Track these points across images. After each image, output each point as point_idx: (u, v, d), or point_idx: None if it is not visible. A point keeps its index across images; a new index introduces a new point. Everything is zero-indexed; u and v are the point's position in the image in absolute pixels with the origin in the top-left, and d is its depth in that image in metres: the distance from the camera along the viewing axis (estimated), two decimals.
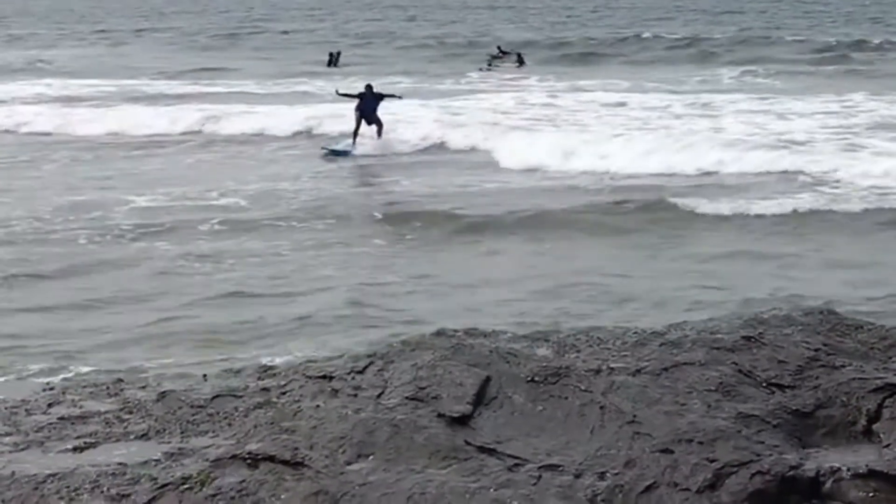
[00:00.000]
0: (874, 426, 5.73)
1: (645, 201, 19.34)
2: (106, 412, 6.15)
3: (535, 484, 5.20)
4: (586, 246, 16.75)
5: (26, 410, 6.26)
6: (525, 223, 18.15)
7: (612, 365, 6.05)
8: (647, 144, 24.91)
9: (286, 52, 58.94)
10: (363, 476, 5.23)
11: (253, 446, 5.49)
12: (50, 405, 6.33)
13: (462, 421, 5.67)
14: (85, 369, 10.34)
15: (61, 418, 6.09)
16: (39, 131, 30.11)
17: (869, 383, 5.91)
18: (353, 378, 6.14)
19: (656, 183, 21.68)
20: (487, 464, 5.35)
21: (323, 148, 26.57)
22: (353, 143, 26.36)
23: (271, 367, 6.80)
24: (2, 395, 6.79)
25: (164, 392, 6.40)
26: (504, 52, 51.86)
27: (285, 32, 71.35)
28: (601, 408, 5.72)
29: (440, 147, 26.86)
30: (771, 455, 5.34)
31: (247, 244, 16.78)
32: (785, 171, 22.28)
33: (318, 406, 5.87)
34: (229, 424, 5.88)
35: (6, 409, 6.31)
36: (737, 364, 6.07)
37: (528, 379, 5.94)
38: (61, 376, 9.76)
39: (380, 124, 26.72)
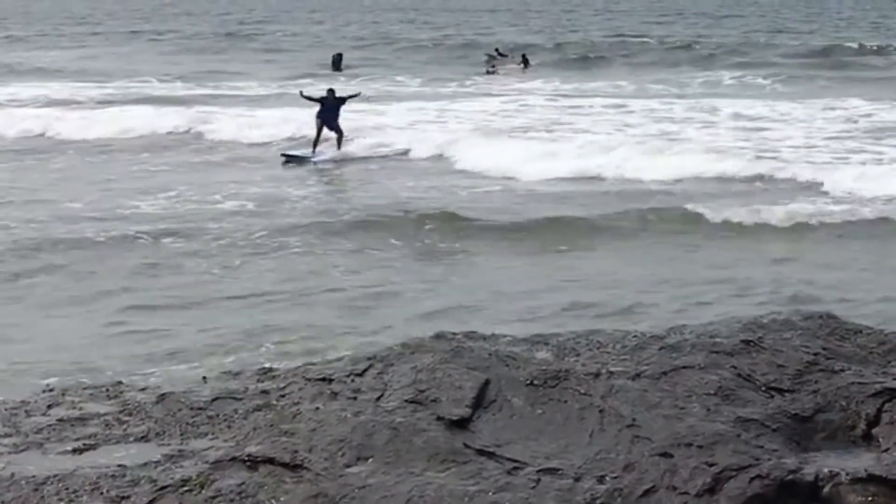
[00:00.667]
0: (873, 430, 5.73)
1: (638, 209, 19.24)
2: (105, 414, 6.15)
3: (533, 487, 5.20)
4: (599, 254, 16.67)
5: (26, 412, 6.26)
6: (528, 228, 18.11)
7: (611, 369, 6.06)
8: (639, 150, 24.86)
9: (288, 54, 58.95)
10: (362, 479, 5.24)
11: (252, 449, 5.49)
12: (49, 407, 6.33)
13: (461, 424, 5.68)
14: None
15: (61, 420, 6.08)
16: (38, 134, 30.07)
17: (868, 388, 5.91)
18: (352, 381, 6.14)
19: (653, 189, 21.71)
20: (486, 467, 5.35)
21: (282, 154, 26.06)
22: (314, 150, 25.88)
23: (271, 370, 6.80)
24: (1, 396, 6.79)
25: (163, 394, 6.40)
26: (501, 55, 51.73)
27: (293, 35, 71.32)
28: (600, 411, 5.72)
29: (405, 154, 26.33)
30: (770, 459, 5.34)
31: (251, 247, 16.81)
32: (786, 179, 22.20)
33: (317, 409, 5.88)
34: (229, 427, 5.89)
35: (6, 410, 6.31)
36: (736, 368, 6.07)
37: (528, 382, 5.94)
38: (61, 378, 9.76)
39: (340, 133, 26.12)
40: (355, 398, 5.93)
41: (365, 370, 6.23)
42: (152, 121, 31.01)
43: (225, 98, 37.84)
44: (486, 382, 5.94)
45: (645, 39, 64.05)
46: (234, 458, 5.40)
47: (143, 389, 6.69)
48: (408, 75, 46.37)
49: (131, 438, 5.82)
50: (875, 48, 57.97)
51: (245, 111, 32.65)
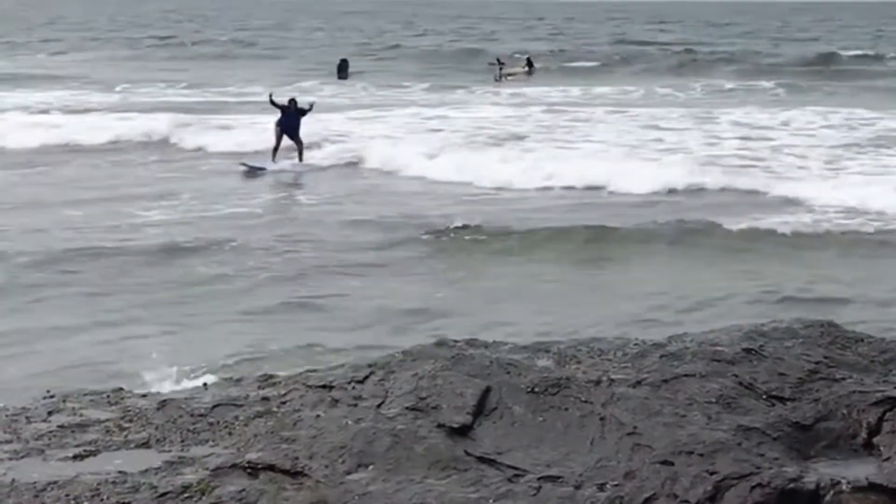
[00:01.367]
0: (874, 439, 5.73)
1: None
2: (106, 420, 6.15)
3: (534, 495, 5.20)
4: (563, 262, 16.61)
5: (26, 418, 6.26)
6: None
7: (612, 376, 6.05)
8: (638, 158, 24.85)
9: (292, 60, 58.99)
10: (363, 486, 5.24)
11: (253, 455, 5.49)
12: (50, 413, 6.32)
13: (462, 431, 5.68)
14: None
15: (61, 426, 6.08)
16: (43, 143, 29.99)
17: (869, 396, 5.91)
18: (353, 388, 6.14)
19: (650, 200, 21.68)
20: (487, 474, 5.35)
21: (242, 164, 25.75)
22: (273, 158, 25.57)
23: (272, 377, 6.79)
24: (2, 402, 6.78)
25: (164, 400, 6.39)
26: (501, 63, 51.87)
27: (297, 40, 71.34)
28: (601, 419, 5.72)
29: (357, 163, 26.08)
30: (771, 468, 5.34)
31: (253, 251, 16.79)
32: (785, 188, 22.14)
33: (318, 415, 5.87)
34: (229, 433, 5.88)
35: (6, 416, 6.30)
36: (737, 376, 6.07)
37: (529, 390, 5.94)
38: (61, 384, 9.73)
39: (300, 143, 25.86)
40: (356, 405, 5.93)
41: (366, 377, 6.23)
42: (153, 127, 30.99)
43: (233, 105, 37.84)
44: (487, 390, 5.94)
45: (647, 47, 64.13)
46: (234, 465, 5.40)
47: (143, 396, 6.69)
48: (414, 81, 46.42)
49: (132, 445, 5.82)
50: (876, 56, 58.07)
51: (255, 118, 32.59)
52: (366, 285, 15.06)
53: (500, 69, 50.27)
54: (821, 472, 5.38)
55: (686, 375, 6.05)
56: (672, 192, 22.25)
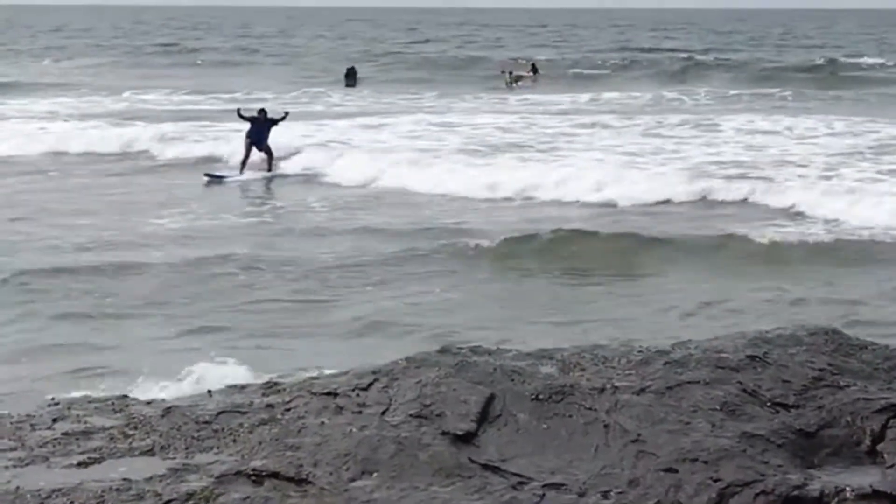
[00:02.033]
0: (878, 446, 5.73)
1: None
2: (111, 428, 6.16)
3: (538, 502, 5.20)
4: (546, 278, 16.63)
5: (31, 425, 6.27)
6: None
7: (616, 383, 6.06)
8: (641, 167, 24.81)
9: (298, 68, 59.07)
10: (367, 493, 5.24)
11: (257, 463, 5.50)
12: (55, 420, 6.34)
13: (466, 439, 5.68)
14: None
15: (66, 434, 6.09)
16: (45, 151, 29.94)
17: (873, 403, 5.91)
18: (357, 395, 6.14)
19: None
20: (491, 482, 5.35)
21: (205, 175, 25.32)
22: (242, 170, 25.28)
23: (276, 384, 6.80)
24: (7, 409, 6.79)
25: (168, 408, 6.40)
26: (503, 71, 52.09)
27: (303, 48, 71.43)
28: (605, 426, 5.72)
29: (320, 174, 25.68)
30: (775, 475, 5.34)
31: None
32: (787, 196, 21.99)
33: (322, 423, 5.88)
34: (234, 441, 5.89)
35: (11, 423, 6.32)
36: (741, 383, 6.07)
37: (533, 397, 5.94)
38: (67, 391, 9.74)
39: (270, 154, 25.66)
40: (360, 412, 5.93)
41: (370, 384, 6.23)
42: (160, 133, 30.98)
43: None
44: (491, 397, 5.94)
45: (653, 54, 64.21)
46: (239, 473, 5.40)
47: (148, 403, 6.70)
48: (422, 88, 46.47)
49: (136, 452, 5.83)
50: (880, 65, 58.10)
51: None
52: (369, 292, 15.07)
53: (510, 73, 50.54)
54: (825, 479, 5.37)
55: (690, 382, 6.05)
56: (671, 202, 22.17)
